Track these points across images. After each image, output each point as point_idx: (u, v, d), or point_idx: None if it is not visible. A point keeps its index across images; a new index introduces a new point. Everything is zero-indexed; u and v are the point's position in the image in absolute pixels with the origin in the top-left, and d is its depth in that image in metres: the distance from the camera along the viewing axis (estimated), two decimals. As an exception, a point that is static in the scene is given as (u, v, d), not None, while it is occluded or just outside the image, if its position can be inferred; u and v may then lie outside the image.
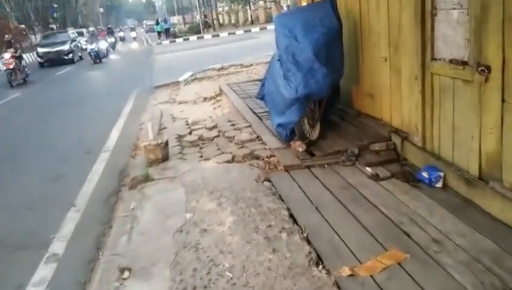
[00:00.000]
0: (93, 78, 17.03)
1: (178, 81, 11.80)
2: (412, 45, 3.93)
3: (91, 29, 32.67)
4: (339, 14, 4.83)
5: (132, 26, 54.55)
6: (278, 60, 5.14)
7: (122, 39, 40.09)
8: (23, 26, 36.33)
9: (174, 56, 20.84)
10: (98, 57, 21.64)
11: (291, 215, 3.30)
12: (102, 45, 24.10)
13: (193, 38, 32.71)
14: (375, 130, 4.64)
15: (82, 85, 14.79)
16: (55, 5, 50.43)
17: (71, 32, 28.21)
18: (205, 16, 39.77)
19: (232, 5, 43.08)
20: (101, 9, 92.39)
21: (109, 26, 39.63)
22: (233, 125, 6.04)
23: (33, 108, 11.22)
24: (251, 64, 12.47)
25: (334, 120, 5.28)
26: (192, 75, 12.24)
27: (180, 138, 5.74)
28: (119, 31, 43.22)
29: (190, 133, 5.93)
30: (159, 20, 38.45)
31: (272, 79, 5.48)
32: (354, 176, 3.94)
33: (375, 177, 3.83)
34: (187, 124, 6.45)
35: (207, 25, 38.06)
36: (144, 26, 69.03)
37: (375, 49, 4.74)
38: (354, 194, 3.57)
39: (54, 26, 49.92)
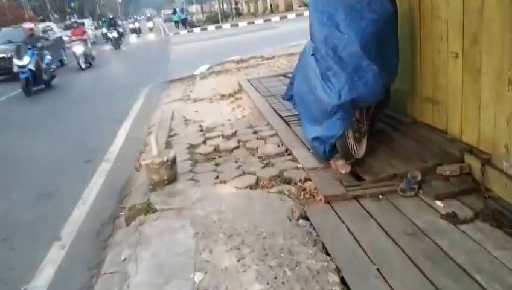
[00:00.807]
0: (103, 74, 15.58)
1: (194, 75, 10.86)
2: (503, 36, 2.87)
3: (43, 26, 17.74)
4: (395, -1, 3.77)
5: (149, 15, 50.60)
6: (312, 54, 4.13)
7: (137, 31, 33.72)
8: (40, 17, 35.86)
9: (191, 47, 19.90)
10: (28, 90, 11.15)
11: (342, 281, 2.32)
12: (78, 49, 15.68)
13: (211, 28, 31.69)
14: (441, 147, 3.60)
15: (87, 82, 13.73)
16: (72, -5, 50.03)
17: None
18: (236, 3, 38.63)
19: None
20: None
21: (111, 16, 28.66)
22: (255, 132, 5.05)
23: (33, 107, 10.39)
24: (273, 57, 11.42)
25: (383, 130, 4.24)
26: (209, 68, 11.27)
27: (192, 148, 4.78)
28: (134, 22, 35.71)
29: (204, 142, 4.96)
30: (176, 10, 37.53)
31: (303, 77, 4.48)
32: (421, 213, 2.93)
33: (452, 219, 2.81)
34: (201, 130, 5.48)
35: (237, 12, 37.02)
36: (162, 15, 68.23)
37: (440, 41, 3.67)
38: (427, 246, 2.56)
39: (71, 16, 49.61)
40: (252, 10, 43.57)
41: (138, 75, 13.02)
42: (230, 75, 10.13)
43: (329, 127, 3.61)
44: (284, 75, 8.29)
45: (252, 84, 7.70)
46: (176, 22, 35.52)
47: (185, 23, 35.17)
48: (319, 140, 3.78)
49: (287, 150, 4.29)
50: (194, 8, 68.65)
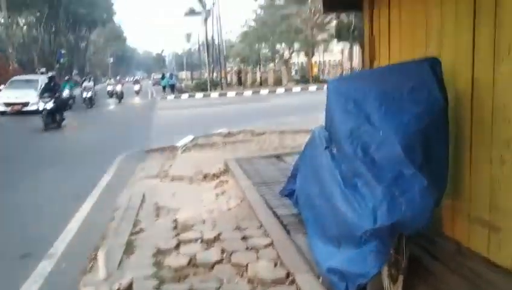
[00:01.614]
0: (73, 137, 14.12)
1: (176, 147, 9.85)
2: None
3: None
4: (444, 84, 2.87)
5: (137, 78, 48.25)
6: (327, 147, 3.17)
7: (118, 95, 26.79)
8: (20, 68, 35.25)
9: (177, 113, 19.12)
10: None
11: None
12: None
13: (199, 95, 31.33)
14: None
15: (52, 145, 12.00)
16: (62, 51, 50.13)
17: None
18: (239, 72, 38.70)
19: (242, 65, 42.32)
20: (111, 59, 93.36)
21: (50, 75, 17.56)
22: (244, 238, 3.92)
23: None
24: (263, 133, 10.55)
25: (417, 257, 3.17)
26: (193, 139, 10.30)
27: (159, 256, 3.61)
28: (116, 84, 29.29)
29: (177, 246, 3.80)
30: (165, 75, 37.45)
31: (313, 175, 3.48)
32: None
33: None
34: (175, 226, 4.33)
35: (240, 82, 37.01)
36: (152, 79, 68.79)
37: (507, 149, 2.74)
38: None
39: (60, 72, 49.27)
40: (238, 81, 43.91)
41: (115, 141, 11.94)
42: (216, 150, 9.15)
43: (357, 259, 2.53)
44: (278, 157, 7.33)
45: (240, 166, 6.68)
46: (164, 87, 35.21)
47: (173, 88, 34.86)
48: (338, 274, 2.67)
49: (288, 274, 3.15)
50: (184, 74, 69.55)
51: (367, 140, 2.69)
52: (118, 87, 27.51)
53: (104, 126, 15.89)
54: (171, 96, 31.89)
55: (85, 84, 23.56)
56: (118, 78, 33.93)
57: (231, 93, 31.12)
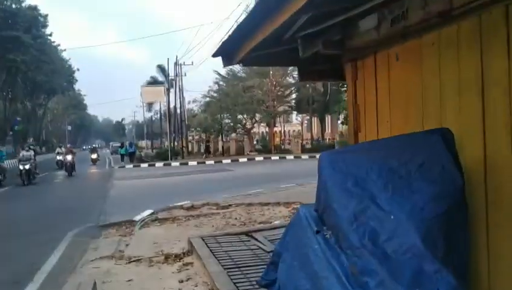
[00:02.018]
0: (14, 209, 12.68)
1: (134, 221, 9.02)
2: None
3: None
4: (459, 159, 2.46)
5: (95, 146, 46.00)
6: (318, 231, 2.66)
7: (67, 167, 23.34)
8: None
9: (136, 184, 18.23)
10: None
11: None
12: None
13: (159, 164, 30.54)
14: None
15: None
16: (18, 118, 48.61)
17: None
18: (207, 141, 38.10)
19: (204, 134, 42.14)
20: (69, 127, 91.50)
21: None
22: None
23: None
24: (229, 205, 9.94)
25: None
26: (152, 213, 9.52)
27: None
28: (67, 153, 24.24)
29: None
30: (125, 144, 36.62)
31: (300, 267, 2.93)
32: None
33: None
34: None
35: (207, 151, 36.31)
36: (110, 147, 67.48)
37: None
38: None
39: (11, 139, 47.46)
40: (202, 150, 43.48)
41: (66, 214, 10.94)
42: (178, 226, 8.41)
43: None
44: (247, 234, 6.69)
45: (207, 245, 5.99)
46: (122, 155, 34.23)
47: (132, 156, 33.95)
48: None
49: None
50: (144, 142, 68.64)
51: (375, 227, 2.20)
52: (68, 157, 23.46)
53: (47, 202, 14.54)
54: (129, 165, 30.91)
55: (22, 153, 19.70)
56: (68, 145, 27.76)
57: (193, 162, 30.56)
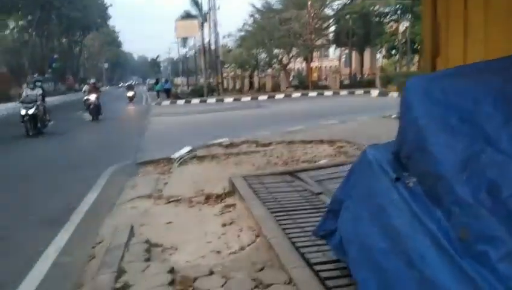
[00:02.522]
0: (57, 147, 12.24)
1: (172, 159, 8.73)
2: None
3: None
4: None
5: (131, 82, 43.38)
6: (397, 178, 2.09)
7: (92, 110, 18.42)
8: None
9: (172, 120, 18.01)
10: None
11: None
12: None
13: (195, 101, 30.26)
14: None
15: (32, 154, 10.88)
16: (55, 56, 48.94)
17: None
18: (251, 77, 37.28)
19: (240, 70, 41.27)
20: (106, 65, 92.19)
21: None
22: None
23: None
24: (269, 143, 9.45)
25: None
26: (190, 151, 9.18)
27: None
28: (91, 91, 18.92)
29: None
30: (160, 80, 36.37)
31: (373, 220, 2.40)
32: None
33: None
34: (171, 281, 3.17)
35: (251, 86, 35.64)
36: (146, 84, 67.70)
37: None
38: None
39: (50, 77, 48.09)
40: (237, 87, 42.82)
41: (104, 150, 10.81)
42: (218, 164, 8.04)
43: None
44: (291, 174, 6.22)
45: (249, 185, 5.57)
46: (158, 92, 34.10)
47: (168, 93, 33.78)
48: None
49: None
50: (179, 79, 68.42)
51: (496, 178, 1.61)
52: (92, 97, 18.37)
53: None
54: (166, 102, 30.80)
55: (25, 92, 14.24)
56: (91, 81, 21.02)
57: (228, 99, 30.10)
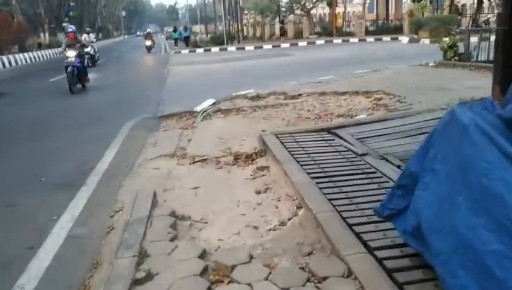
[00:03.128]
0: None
1: (194, 112, 8.15)
2: None
3: None
4: None
5: (149, 31, 40.42)
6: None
7: (69, 75, 11.74)
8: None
9: (193, 70, 17.28)
10: None
11: None
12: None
13: (215, 49, 29.26)
14: None
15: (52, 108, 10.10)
16: (71, 3, 47.78)
17: None
18: (282, 22, 35.45)
19: (261, 17, 39.63)
20: (123, 13, 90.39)
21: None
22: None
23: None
24: (298, 95, 8.75)
25: None
26: (214, 103, 8.56)
27: None
28: (67, 45, 12.28)
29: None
30: (177, 28, 35.21)
31: (467, 200, 1.75)
32: None
33: None
34: (204, 267, 2.64)
35: (283, 34, 33.96)
36: (165, 32, 66.27)
37: None
38: None
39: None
40: (258, 34, 41.32)
41: (122, 104, 10.26)
42: (244, 117, 7.43)
43: None
44: (329, 131, 5.57)
45: (283, 144, 4.96)
46: (176, 40, 33.08)
47: (187, 41, 32.76)
48: None
49: None
50: (198, 27, 66.63)
51: None
52: (71, 55, 12.03)
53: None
54: (185, 51, 29.91)
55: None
56: (68, 29, 13.43)
57: (249, 47, 29.00)
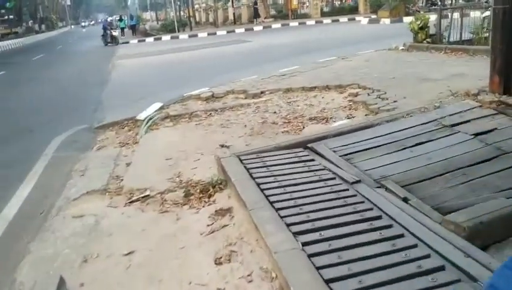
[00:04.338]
0: None
1: (138, 120, 6.79)
2: None
3: None
4: None
5: (89, 21, 36.51)
6: None
7: None
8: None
9: (140, 63, 15.69)
10: None
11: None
12: None
13: (166, 38, 27.50)
14: None
15: None
16: (7, -7, 44.39)
17: None
18: (255, 3, 33.33)
19: (213, 0, 37.88)
20: (68, 1, 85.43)
21: None
22: None
23: None
24: (261, 93, 7.51)
25: None
26: (161, 108, 7.21)
27: None
28: None
29: None
30: (123, 17, 33.05)
31: None
32: None
33: None
34: None
35: (257, 15, 31.89)
36: (114, 21, 62.98)
37: None
38: None
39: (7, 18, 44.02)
40: (211, 19, 39.54)
41: (55, 108, 8.71)
42: (198, 127, 6.15)
43: None
44: (305, 146, 4.39)
45: (248, 171, 3.74)
46: (122, 29, 31.03)
47: (134, 30, 30.74)
48: None
49: None
50: (148, 14, 63.69)
51: None
52: None
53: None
54: (134, 41, 27.93)
55: None
56: None
57: (202, 34, 27.41)
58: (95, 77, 12.94)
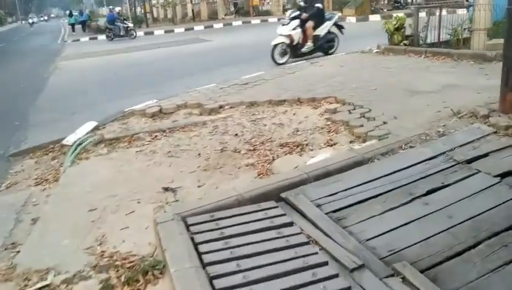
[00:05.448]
0: None
1: (64, 145, 5.40)
2: None
3: None
4: None
5: (40, 17, 35.20)
6: None
7: None
8: None
9: (86, 65, 14.02)
10: None
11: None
12: None
13: (120, 35, 25.64)
14: None
15: None
16: None
17: None
18: (235, 4, 31.72)
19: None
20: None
21: None
22: None
23: None
24: (219, 107, 6.24)
25: None
26: (95, 129, 5.82)
27: None
28: None
29: None
30: (73, 12, 31.02)
31: None
32: None
33: None
34: None
35: (237, 11, 30.25)
36: (67, 17, 59.89)
37: None
38: None
39: None
40: (169, 16, 37.76)
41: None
42: (139, 155, 4.84)
43: None
44: (279, 197, 3.18)
45: (197, 250, 2.51)
46: (72, 25, 29.04)
47: (84, 26, 28.77)
48: None
49: None
50: (104, 10, 60.84)
51: None
52: None
53: None
54: (85, 38, 25.95)
55: None
56: None
57: (159, 31, 25.81)
58: (30, 82, 11.26)
